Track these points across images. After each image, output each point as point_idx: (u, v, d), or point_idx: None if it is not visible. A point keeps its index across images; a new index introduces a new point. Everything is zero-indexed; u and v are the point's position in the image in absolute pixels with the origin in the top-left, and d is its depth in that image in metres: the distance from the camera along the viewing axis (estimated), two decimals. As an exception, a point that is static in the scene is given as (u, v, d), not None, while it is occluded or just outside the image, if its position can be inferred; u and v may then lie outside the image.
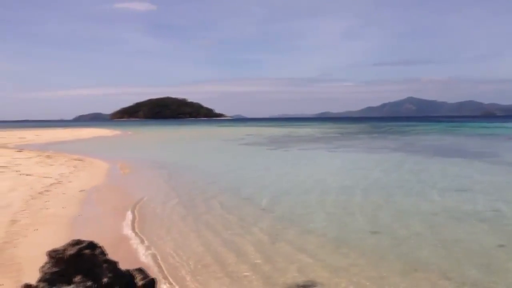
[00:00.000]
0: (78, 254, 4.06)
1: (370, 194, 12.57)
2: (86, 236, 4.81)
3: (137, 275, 4.56)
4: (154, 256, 7.17)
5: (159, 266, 6.67)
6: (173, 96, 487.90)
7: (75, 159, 21.97)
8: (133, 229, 8.94)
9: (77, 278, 3.95)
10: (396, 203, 11.34)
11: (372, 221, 9.53)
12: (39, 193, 12.08)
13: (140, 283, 4.48)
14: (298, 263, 6.81)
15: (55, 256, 4.01)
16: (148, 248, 7.66)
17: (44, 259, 4.39)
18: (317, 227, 9.05)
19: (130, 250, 7.50)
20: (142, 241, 8.07)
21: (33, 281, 4.17)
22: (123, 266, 4.61)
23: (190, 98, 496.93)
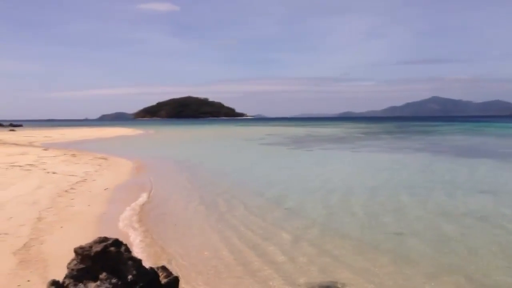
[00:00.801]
0: (104, 252, 4.11)
1: (395, 194, 12.37)
2: (110, 234, 4.86)
3: (160, 273, 4.59)
4: (176, 255, 7.20)
5: (181, 265, 6.70)
6: (195, 95, 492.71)
7: (99, 158, 22.34)
8: (156, 227, 9.02)
9: (103, 275, 4.00)
10: (421, 204, 11.12)
11: (397, 222, 9.37)
12: (65, 191, 12.31)
13: (163, 280, 4.51)
14: (321, 263, 6.75)
15: (82, 253, 4.07)
16: (169, 246, 7.71)
17: (69, 256, 4.47)
18: (340, 227, 8.95)
19: (154, 248, 7.56)
20: (164, 240, 8.13)
21: (59, 277, 4.24)
22: (146, 264, 4.65)
23: (211, 98, 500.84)
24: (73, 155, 23.62)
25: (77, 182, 13.89)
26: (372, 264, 6.73)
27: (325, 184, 14.38)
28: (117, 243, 4.28)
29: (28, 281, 5.68)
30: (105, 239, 4.28)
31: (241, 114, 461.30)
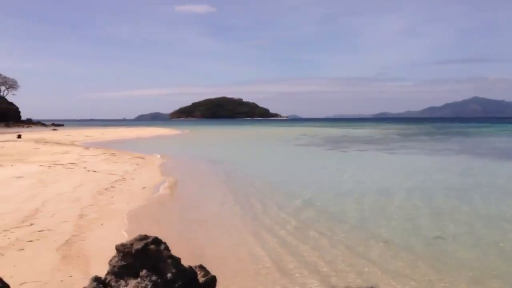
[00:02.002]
0: (144, 249, 4.17)
1: (433, 198, 12.02)
2: (147, 232, 4.94)
3: (198, 272, 4.62)
4: (212, 256, 7.25)
5: (217, 266, 6.73)
6: (229, 96, 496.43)
7: (138, 157, 22.84)
8: (192, 227, 9.12)
9: (143, 272, 4.06)
10: (461, 208, 10.76)
11: (436, 226, 9.10)
12: (105, 189, 12.66)
13: (201, 279, 4.54)
14: (357, 266, 6.63)
15: (123, 250, 4.15)
16: (206, 247, 7.77)
17: (110, 252, 4.59)
18: (377, 231, 8.77)
19: (190, 248, 7.64)
20: (201, 240, 8.21)
21: (100, 273, 4.34)
22: (183, 262, 4.69)
23: (246, 98, 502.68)
24: (113, 154, 24.26)
25: (116, 181, 14.25)
26: (409, 269, 6.55)
27: (360, 186, 14.15)
28: (157, 241, 4.34)
29: (70, 276, 5.85)
30: (145, 237, 4.35)
31: (275, 115, 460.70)
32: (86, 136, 50.37)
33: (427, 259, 7.04)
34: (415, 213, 10.24)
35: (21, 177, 14.16)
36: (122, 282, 4.06)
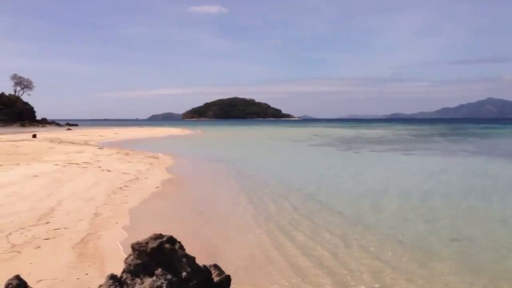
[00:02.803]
0: (159, 248, 4.19)
1: (449, 199, 11.88)
2: (161, 232, 4.96)
3: (213, 271, 4.63)
4: (226, 256, 7.26)
5: (230, 267, 6.74)
6: (241, 96, 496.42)
7: (151, 157, 22.98)
8: (204, 226, 9.14)
9: (158, 271, 4.08)
10: (479, 210, 10.61)
11: (452, 228, 8.99)
12: (119, 188, 12.76)
13: (216, 279, 4.54)
14: (374, 268, 6.57)
15: (139, 249, 4.17)
16: (220, 246, 7.78)
17: (125, 250, 4.65)
18: (392, 232, 8.69)
19: (203, 247, 7.66)
20: (214, 239, 8.22)
21: (115, 271, 4.38)
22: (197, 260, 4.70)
23: (258, 98, 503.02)
24: (126, 154, 24.45)
25: (130, 180, 14.35)
26: (427, 271, 6.48)
27: (375, 187, 14.05)
28: (171, 240, 4.35)
29: (86, 274, 5.90)
30: (160, 235, 4.37)
31: (288, 115, 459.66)
32: (100, 136, 50.86)
33: (444, 260, 6.95)
34: (432, 215, 10.13)
35: (36, 176, 14.34)
36: (138, 280, 4.08)
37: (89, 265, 6.27)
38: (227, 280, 4.61)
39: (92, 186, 12.87)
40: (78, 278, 5.75)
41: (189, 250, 4.49)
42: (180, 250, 4.38)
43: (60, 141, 36.70)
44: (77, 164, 18.36)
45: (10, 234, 7.62)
